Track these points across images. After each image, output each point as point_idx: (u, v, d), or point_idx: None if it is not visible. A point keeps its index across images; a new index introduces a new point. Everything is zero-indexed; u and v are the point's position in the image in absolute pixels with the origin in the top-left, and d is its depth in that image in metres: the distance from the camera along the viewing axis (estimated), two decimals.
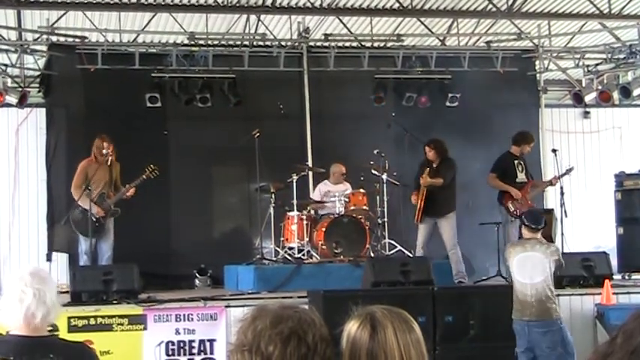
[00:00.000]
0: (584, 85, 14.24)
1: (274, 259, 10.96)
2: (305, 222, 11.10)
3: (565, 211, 11.04)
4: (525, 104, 14.38)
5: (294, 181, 11.27)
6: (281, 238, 11.26)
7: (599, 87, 13.62)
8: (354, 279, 9.81)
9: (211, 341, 8.46)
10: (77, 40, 12.80)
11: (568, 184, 12.35)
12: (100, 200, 9.97)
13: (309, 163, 12.67)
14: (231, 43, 13.74)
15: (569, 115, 15.97)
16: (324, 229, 10.88)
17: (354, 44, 14.12)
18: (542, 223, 7.95)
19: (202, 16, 13.04)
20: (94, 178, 10.01)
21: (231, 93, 13.00)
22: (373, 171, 11.16)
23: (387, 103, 13.64)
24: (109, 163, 10.18)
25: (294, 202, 11.16)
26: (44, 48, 12.98)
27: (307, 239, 10.99)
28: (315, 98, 13.54)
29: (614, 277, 10.80)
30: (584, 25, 14.28)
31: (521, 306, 7.67)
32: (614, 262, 11.50)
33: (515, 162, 10.69)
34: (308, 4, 13.09)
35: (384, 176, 11.09)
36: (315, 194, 11.98)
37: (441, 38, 14.39)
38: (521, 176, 10.65)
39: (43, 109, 13.24)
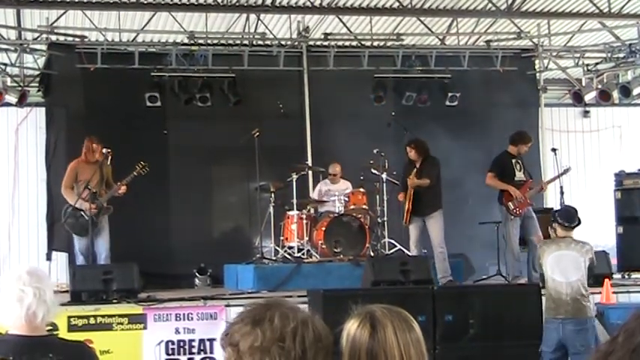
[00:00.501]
0: (583, 84, 14.25)
1: (274, 258, 10.96)
2: (305, 221, 11.10)
3: None
4: (525, 103, 14.38)
5: (294, 180, 11.27)
6: (281, 237, 11.27)
7: (599, 86, 13.63)
8: (354, 278, 9.81)
9: (211, 340, 8.45)
10: (77, 39, 12.80)
11: (568, 184, 12.35)
12: (91, 199, 9.98)
13: (309, 162, 12.67)
14: (230, 42, 13.74)
15: (569, 114, 15.98)
16: (323, 229, 10.88)
17: (354, 43, 14.13)
18: (576, 221, 7.92)
19: (202, 15, 13.03)
20: (85, 178, 10.02)
21: (230, 92, 13.01)
22: (373, 170, 11.15)
23: (387, 102, 13.65)
24: (99, 163, 10.15)
25: (294, 201, 11.16)
26: (44, 47, 12.98)
27: (307, 238, 10.99)
28: (315, 97, 13.54)
29: (614, 276, 10.82)
30: (583, 24, 14.28)
31: (556, 304, 7.67)
32: (613, 261, 11.51)
33: (513, 161, 10.68)
34: (308, 4, 13.09)
35: (384, 175, 11.09)
36: (315, 193, 11.99)
37: (441, 37, 14.39)
38: (519, 175, 10.64)
39: (43, 109, 13.25)
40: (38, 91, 13.20)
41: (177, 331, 8.50)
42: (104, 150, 10.12)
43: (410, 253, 10.66)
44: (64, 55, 12.73)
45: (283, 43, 13.58)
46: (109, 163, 10.18)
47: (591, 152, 15.98)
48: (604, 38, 14.43)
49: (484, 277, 11.56)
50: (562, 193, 11.02)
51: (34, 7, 12.50)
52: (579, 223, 8.00)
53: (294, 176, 11.29)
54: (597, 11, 13.52)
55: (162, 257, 12.54)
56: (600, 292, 9.33)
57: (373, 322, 2.44)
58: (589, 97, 13.95)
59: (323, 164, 12.14)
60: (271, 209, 11.16)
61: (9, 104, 12.63)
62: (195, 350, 8.48)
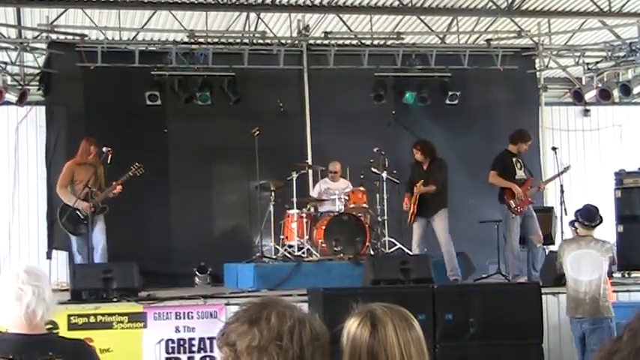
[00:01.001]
0: (584, 83, 14.25)
1: (274, 257, 10.97)
2: (305, 220, 11.11)
3: (565, 209, 11.03)
4: (525, 102, 14.38)
5: (294, 179, 11.28)
6: (281, 236, 11.27)
7: (599, 85, 13.62)
8: (354, 277, 9.81)
9: (211, 339, 8.44)
10: (77, 37, 12.80)
11: (568, 182, 12.35)
12: (87, 198, 10.00)
13: (309, 161, 12.66)
14: (231, 41, 13.73)
15: (570, 113, 15.97)
16: (323, 227, 10.88)
17: (354, 42, 14.12)
18: (597, 220, 7.92)
19: (202, 14, 13.02)
20: (80, 178, 10.05)
21: (230, 91, 13.01)
22: (373, 169, 11.16)
23: (387, 101, 13.64)
24: (94, 163, 10.17)
25: (294, 200, 11.16)
26: (44, 46, 12.98)
27: (307, 237, 11.00)
28: (315, 96, 13.54)
29: (614, 275, 10.81)
30: (584, 22, 14.27)
31: (575, 303, 7.68)
32: None
33: (514, 160, 10.68)
34: (308, 2, 13.08)
35: (384, 174, 11.09)
36: (315, 192, 11.98)
37: (441, 36, 14.39)
38: (520, 173, 10.64)
39: (43, 107, 13.25)
40: (38, 89, 13.20)
41: (177, 330, 8.50)
42: (104, 149, 10.12)
43: (410, 252, 10.67)
44: (64, 53, 12.73)
45: (283, 41, 13.57)
46: (109, 161, 10.18)
47: (591, 151, 15.97)
48: (604, 37, 14.41)
49: (484, 275, 11.55)
50: (562, 191, 11.01)
51: (35, 6, 12.49)
52: (601, 221, 8.02)
53: (294, 175, 11.30)
54: (598, 10, 13.50)
55: (162, 256, 12.54)
56: None
57: (374, 320, 2.44)
58: (589, 95, 13.95)
59: (323, 163, 12.14)
60: (271, 208, 11.16)
61: (9, 103, 12.62)
62: (195, 349, 8.48)
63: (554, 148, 11.55)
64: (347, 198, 11.23)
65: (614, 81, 13.51)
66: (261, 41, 13.56)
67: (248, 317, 2.16)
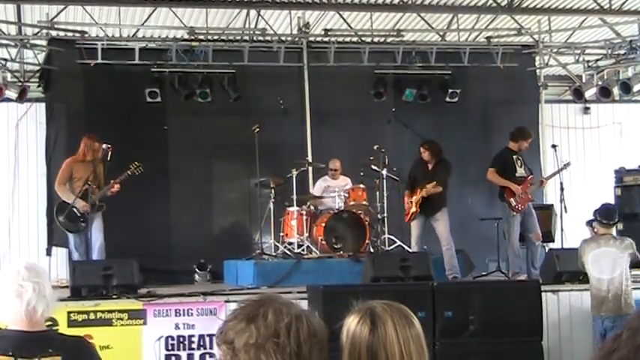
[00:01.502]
0: (584, 80, 14.23)
1: (274, 254, 10.97)
2: (305, 217, 11.11)
3: (565, 207, 11.04)
4: (525, 100, 14.38)
5: (294, 176, 11.28)
6: (281, 233, 11.27)
7: (600, 82, 13.61)
8: (354, 274, 9.81)
9: (211, 336, 8.46)
10: (77, 34, 12.79)
11: (568, 180, 12.35)
12: (85, 195, 10.00)
13: (309, 158, 12.66)
14: (231, 38, 13.73)
15: (570, 111, 15.96)
16: (323, 225, 10.88)
17: (354, 39, 14.10)
18: (615, 218, 7.96)
19: (202, 10, 13.01)
20: (79, 175, 10.05)
21: (231, 88, 13.00)
22: (373, 166, 11.15)
23: (387, 98, 13.63)
24: (93, 161, 10.16)
25: (294, 197, 11.16)
26: (44, 42, 12.96)
27: (307, 234, 11.00)
28: (315, 93, 13.53)
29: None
30: (584, 20, 14.26)
31: (597, 302, 7.70)
32: None
33: (514, 157, 10.68)
34: None
35: (384, 172, 11.08)
36: (315, 190, 11.98)
37: (441, 34, 14.37)
38: (520, 171, 10.63)
39: (43, 104, 13.24)
40: (38, 86, 13.19)
41: (176, 327, 8.51)
42: (104, 145, 10.13)
43: (410, 250, 10.67)
44: (64, 50, 12.72)
45: (283, 38, 13.56)
46: (109, 159, 10.19)
47: (591, 149, 15.96)
48: (604, 35, 14.40)
49: (484, 273, 11.56)
50: (562, 189, 11.03)
51: (34, 3, 12.49)
52: (619, 220, 8.06)
53: (294, 172, 11.30)
54: (598, 7, 13.50)
55: (162, 253, 12.55)
56: None
57: (373, 318, 2.44)
58: (589, 93, 13.94)
59: (323, 160, 12.13)
60: (271, 205, 11.16)
61: (9, 100, 12.61)
62: (194, 346, 8.50)
63: (554, 146, 11.56)
64: (347, 195, 11.23)
65: (614, 79, 13.50)
66: (261, 38, 13.55)
67: (245, 315, 2.17)
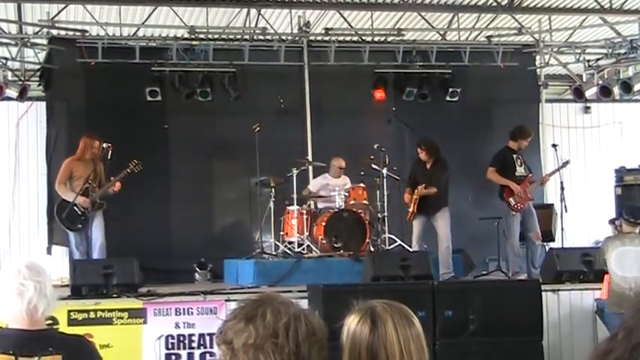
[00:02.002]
0: (584, 80, 14.22)
1: (274, 253, 10.97)
2: (305, 216, 11.11)
3: (565, 206, 11.04)
4: (526, 99, 14.38)
5: (294, 175, 11.27)
6: (281, 232, 11.27)
7: (600, 82, 13.60)
8: (354, 273, 9.81)
9: (211, 335, 8.46)
10: (77, 33, 12.79)
11: (568, 179, 12.35)
12: (85, 194, 10.02)
13: (309, 157, 12.66)
14: (231, 37, 13.73)
15: (570, 110, 15.95)
16: (324, 224, 10.88)
17: (355, 38, 14.10)
18: None
19: (203, 9, 13.00)
20: (79, 174, 10.06)
21: (231, 87, 13.00)
22: (373, 165, 11.15)
23: (388, 97, 13.63)
24: (93, 160, 10.18)
25: (294, 196, 11.16)
26: (44, 41, 12.96)
27: (307, 233, 10.99)
28: (316, 92, 13.53)
29: None
30: (584, 19, 14.25)
31: (619, 299, 7.69)
32: None
33: (514, 156, 10.68)
34: None
35: (384, 171, 11.08)
36: (312, 185, 11.97)
37: (442, 33, 14.37)
38: (520, 170, 10.64)
39: (44, 103, 13.24)
40: (39, 85, 13.19)
41: (177, 326, 8.51)
42: (105, 144, 10.14)
43: (410, 249, 10.67)
44: (65, 49, 12.72)
45: (284, 38, 13.56)
46: (109, 157, 10.19)
47: (592, 148, 15.96)
48: (605, 34, 14.39)
49: (484, 272, 11.56)
50: (562, 188, 11.02)
51: (35, 1, 12.47)
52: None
53: (295, 171, 11.29)
54: (598, 7, 13.49)
55: (162, 252, 12.55)
56: (600, 288, 9.33)
57: (373, 317, 2.45)
58: (590, 92, 13.93)
59: (323, 159, 12.13)
60: (271, 204, 11.16)
61: (9, 98, 12.61)
62: (194, 345, 8.50)
63: (554, 145, 11.55)
64: (347, 194, 11.23)
65: (614, 78, 13.49)
66: (261, 37, 13.55)
67: (244, 315, 2.17)
